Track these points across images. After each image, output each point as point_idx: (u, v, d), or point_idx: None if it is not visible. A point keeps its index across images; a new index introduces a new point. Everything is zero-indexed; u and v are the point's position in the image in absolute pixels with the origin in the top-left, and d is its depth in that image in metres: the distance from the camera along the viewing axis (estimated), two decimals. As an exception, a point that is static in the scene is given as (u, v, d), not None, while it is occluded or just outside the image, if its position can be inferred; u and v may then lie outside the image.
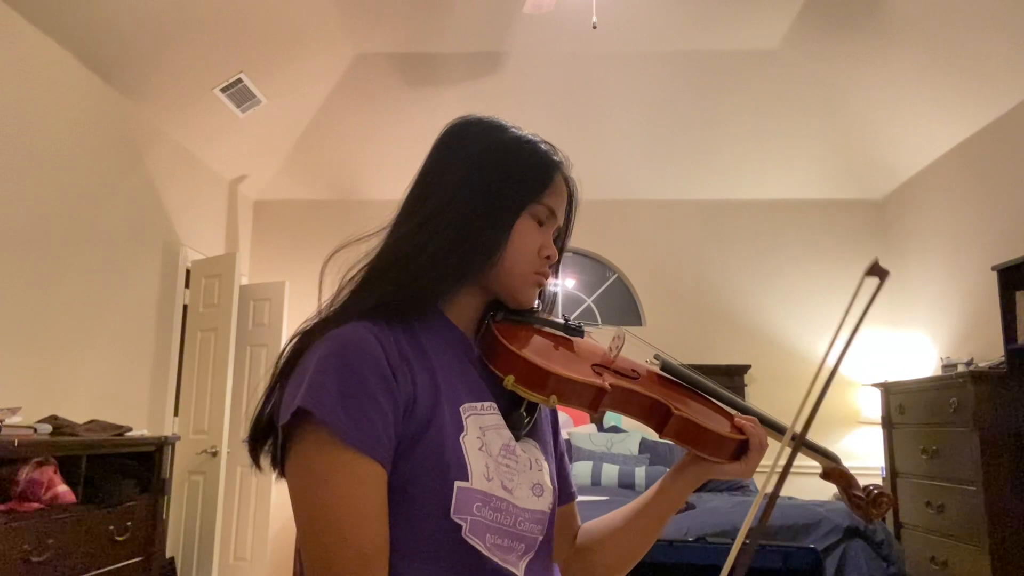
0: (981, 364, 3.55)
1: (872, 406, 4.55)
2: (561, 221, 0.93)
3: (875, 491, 0.99)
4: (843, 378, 4.98)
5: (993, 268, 3.39)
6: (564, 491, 0.98)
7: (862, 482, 1.02)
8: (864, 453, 4.80)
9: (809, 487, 4.75)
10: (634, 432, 4.55)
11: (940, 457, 3.44)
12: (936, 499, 3.45)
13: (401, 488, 0.74)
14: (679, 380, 0.98)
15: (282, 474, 0.77)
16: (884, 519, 3.89)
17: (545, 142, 0.93)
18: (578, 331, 0.95)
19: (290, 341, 0.82)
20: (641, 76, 4.49)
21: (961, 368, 3.67)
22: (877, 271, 0.81)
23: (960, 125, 4.08)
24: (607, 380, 0.86)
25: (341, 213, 5.26)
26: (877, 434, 4.50)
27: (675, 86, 4.53)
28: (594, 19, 3.43)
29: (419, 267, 0.82)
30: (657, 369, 0.97)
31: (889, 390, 4.02)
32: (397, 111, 4.58)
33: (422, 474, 0.74)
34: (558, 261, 0.97)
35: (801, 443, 0.87)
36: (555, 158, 0.91)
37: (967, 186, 4.15)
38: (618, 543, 0.96)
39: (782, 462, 0.85)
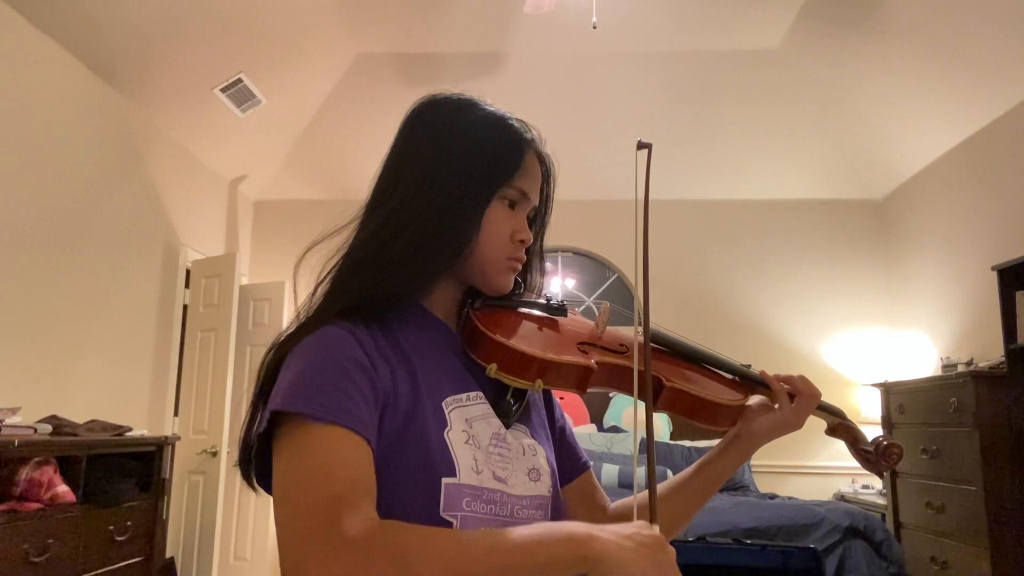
0: (981, 364, 3.55)
1: (872, 406, 4.55)
2: (536, 201, 0.89)
3: (884, 443, 0.97)
4: (843, 378, 4.98)
5: (993, 268, 3.39)
6: (574, 463, 0.96)
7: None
8: (864, 453, 4.80)
9: (809, 487, 4.75)
10: (635, 432, 4.55)
11: (940, 457, 3.43)
12: (936, 499, 3.45)
13: (389, 489, 0.72)
14: (671, 349, 0.96)
15: (266, 490, 0.75)
16: (884, 518, 3.89)
17: (515, 119, 0.88)
18: (561, 310, 0.92)
19: (267, 355, 0.80)
20: (641, 76, 4.49)
21: (961, 368, 3.66)
22: (642, 145, 0.83)
23: (960, 125, 4.08)
24: (593, 358, 0.84)
25: (341, 213, 5.21)
26: (877, 434, 4.50)
27: (675, 86, 4.53)
28: (594, 19, 3.43)
29: (387, 266, 0.80)
30: None
31: (889, 390, 4.02)
32: (397, 111, 4.55)
33: (409, 474, 0.73)
34: (541, 243, 0.95)
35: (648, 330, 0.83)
36: (525, 136, 0.87)
37: (967, 186, 4.15)
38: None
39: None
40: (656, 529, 0.68)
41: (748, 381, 0.97)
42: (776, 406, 0.94)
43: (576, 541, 0.64)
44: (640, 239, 0.79)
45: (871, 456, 0.98)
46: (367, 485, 0.67)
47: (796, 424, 0.93)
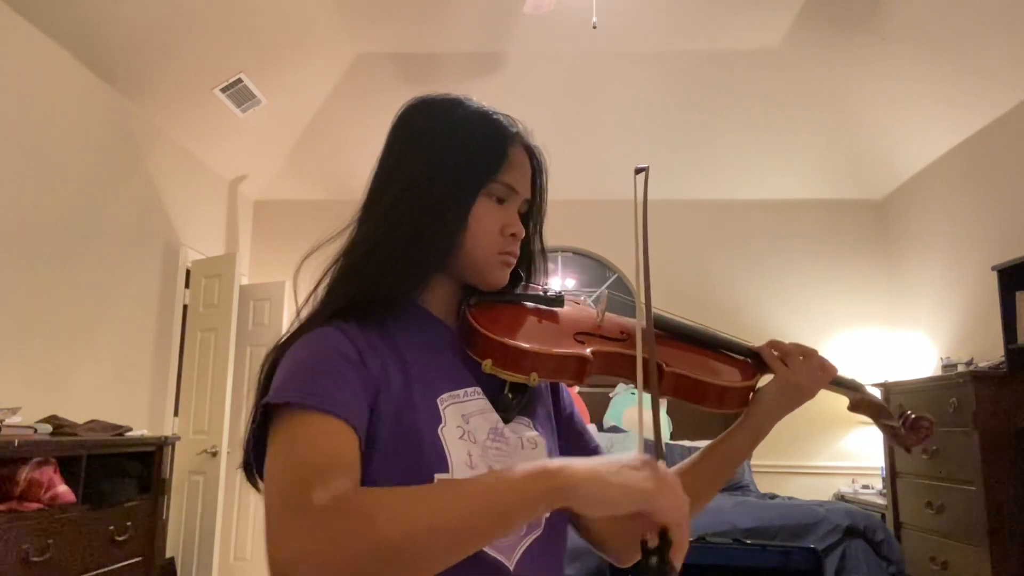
0: (981, 364, 3.55)
1: (872, 406, 4.55)
2: (527, 194, 0.89)
3: (912, 415, 0.93)
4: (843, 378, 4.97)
5: (993, 268, 3.39)
6: (582, 449, 0.96)
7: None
8: (864, 453, 4.79)
9: (809, 487, 4.75)
10: (634, 432, 4.55)
11: (940, 457, 3.43)
12: (936, 499, 3.45)
13: (382, 485, 0.72)
14: (673, 333, 0.94)
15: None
16: (884, 518, 3.88)
17: (501, 114, 0.89)
18: (558, 301, 0.92)
19: (266, 358, 0.81)
20: (641, 76, 4.49)
21: (961, 368, 3.66)
22: (639, 170, 0.84)
23: (960, 125, 4.08)
24: (589, 347, 0.84)
25: (341, 213, 5.23)
26: (877, 434, 4.50)
27: (675, 86, 4.53)
28: (594, 19, 3.43)
29: (379, 268, 0.81)
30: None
31: (889, 390, 4.02)
32: (397, 111, 4.57)
33: (402, 471, 0.73)
34: (541, 238, 0.95)
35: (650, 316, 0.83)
36: (510, 130, 0.87)
37: (967, 186, 4.15)
38: None
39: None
40: (661, 464, 0.64)
41: (758, 361, 0.95)
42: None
43: (547, 473, 0.61)
44: (641, 263, 0.78)
45: (899, 431, 0.93)
46: (347, 463, 0.67)
47: (802, 386, 0.91)
